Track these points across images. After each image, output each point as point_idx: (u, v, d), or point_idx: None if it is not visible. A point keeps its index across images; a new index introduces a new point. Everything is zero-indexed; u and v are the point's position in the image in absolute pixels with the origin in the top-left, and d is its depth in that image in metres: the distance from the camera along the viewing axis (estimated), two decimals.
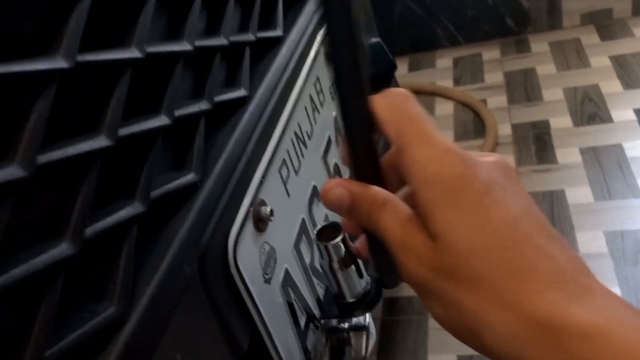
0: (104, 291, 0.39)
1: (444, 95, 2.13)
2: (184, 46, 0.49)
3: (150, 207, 0.44)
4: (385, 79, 1.40)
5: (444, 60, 2.37)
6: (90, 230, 0.38)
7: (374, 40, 1.43)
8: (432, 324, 1.39)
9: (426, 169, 0.32)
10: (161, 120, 0.46)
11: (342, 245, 0.56)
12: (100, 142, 0.39)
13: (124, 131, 0.41)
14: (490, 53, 2.30)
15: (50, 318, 0.34)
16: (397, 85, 1.40)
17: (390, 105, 0.34)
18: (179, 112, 0.49)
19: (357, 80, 0.35)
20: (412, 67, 2.40)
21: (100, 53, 0.39)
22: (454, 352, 1.31)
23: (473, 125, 1.96)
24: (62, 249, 0.35)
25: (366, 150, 0.37)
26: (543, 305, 0.28)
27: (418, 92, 2.20)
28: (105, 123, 0.40)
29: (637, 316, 0.28)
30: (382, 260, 0.39)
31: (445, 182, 0.31)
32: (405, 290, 1.49)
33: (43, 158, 0.34)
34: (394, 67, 1.40)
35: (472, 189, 0.31)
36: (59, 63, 0.35)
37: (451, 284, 0.31)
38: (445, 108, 2.08)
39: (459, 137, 1.93)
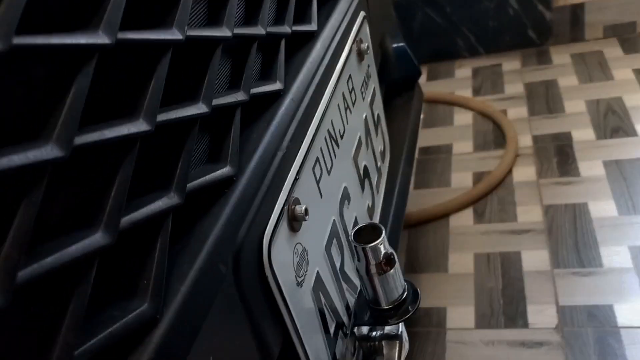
0: (135, 288, 0.37)
1: (464, 105, 2.10)
2: (223, 32, 0.47)
3: (187, 200, 0.42)
4: (409, 85, 1.38)
5: (463, 71, 2.34)
6: (125, 221, 0.35)
7: (400, 44, 1.40)
8: (451, 337, 1.35)
9: None
10: (199, 109, 0.43)
11: (381, 248, 0.53)
12: (139, 126, 0.36)
13: (162, 117, 0.39)
14: (510, 64, 2.27)
15: (81, 314, 0.31)
16: (420, 92, 1.37)
17: None
18: (216, 102, 0.46)
19: None
20: (431, 77, 2.37)
21: (141, 32, 0.37)
22: None
23: (493, 136, 1.93)
24: (96, 238, 0.32)
25: None
26: None
27: (437, 101, 2.17)
28: (144, 107, 0.37)
29: None
30: None
31: None
32: (423, 302, 1.45)
33: (80, 139, 0.31)
34: (419, 73, 1.38)
35: None
36: (100, 38, 0.33)
37: None
38: (464, 118, 2.05)
39: (478, 147, 1.89)
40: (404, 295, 0.56)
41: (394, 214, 0.99)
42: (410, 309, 0.56)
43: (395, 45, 1.35)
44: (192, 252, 0.41)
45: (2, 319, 0.29)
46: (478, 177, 1.77)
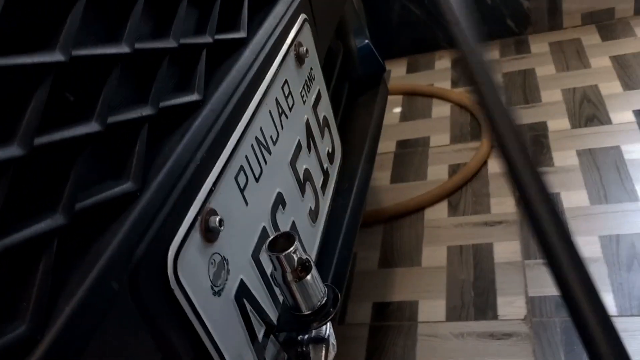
0: (16, 310, 0.37)
1: (441, 96, 2.09)
2: (120, 49, 0.47)
3: (78, 220, 0.42)
4: (374, 81, 1.38)
5: (443, 62, 2.33)
6: None
7: (364, 42, 1.40)
8: (422, 330, 1.36)
9: None
10: (90, 128, 0.43)
11: (294, 256, 0.53)
12: (12, 151, 0.36)
13: (41, 140, 0.39)
14: (489, 54, 2.26)
15: None
16: (385, 87, 1.37)
17: None
18: (114, 119, 0.46)
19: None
20: (411, 69, 2.37)
21: (16, 57, 0.37)
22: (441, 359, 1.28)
23: (470, 127, 1.93)
24: None
25: None
26: None
27: (415, 94, 2.17)
28: (19, 132, 0.37)
29: None
30: None
31: None
32: (396, 296, 1.46)
33: None
34: (383, 69, 1.38)
35: None
36: None
37: None
38: (442, 110, 2.05)
39: (455, 139, 1.89)
40: (324, 300, 0.56)
41: (350, 213, 0.99)
42: (331, 311, 0.56)
43: (358, 42, 1.35)
44: (82, 272, 0.41)
45: None
46: (454, 170, 1.78)
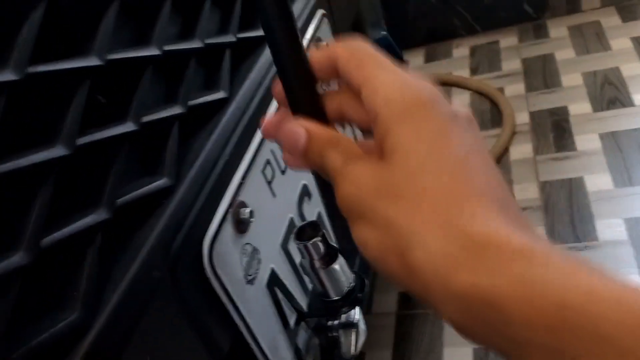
0: (67, 300, 0.40)
1: (461, 85, 2.09)
2: (150, 51, 0.49)
3: (119, 214, 0.45)
4: None
5: (461, 50, 2.33)
6: (48, 240, 0.38)
7: (382, 34, 1.42)
8: None
9: (392, 90, 0.30)
10: (127, 127, 0.46)
11: (321, 244, 0.55)
12: (57, 151, 0.39)
13: (83, 140, 0.42)
14: (507, 40, 2.25)
15: (3, 325, 0.35)
16: None
17: (350, 47, 0.33)
18: (147, 118, 0.49)
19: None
20: (429, 58, 2.36)
21: (54, 64, 0.40)
22: (470, 346, 1.29)
23: (490, 115, 1.92)
24: (16, 259, 0.36)
25: (312, 94, 0.35)
26: (485, 226, 0.26)
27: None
28: (62, 133, 0.40)
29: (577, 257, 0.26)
30: (338, 216, 0.37)
31: (410, 103, 0.29)
32: None
33: None
34: (401, 60, 1.39)
35: (437, 115, 0.29)
36: (6, 76, 0.36)
37: (388, 202, 0.28)
38: (462, 98, 2.04)
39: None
40: (352, 285, 0.58)
41: None
42: (359, 296, 0.58)
43: (376, 34, 1.36)
44: (125, 263, 0.44)
45: None
46: None
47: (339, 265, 0.56)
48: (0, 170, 0.35)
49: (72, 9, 0.44)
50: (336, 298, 0.58)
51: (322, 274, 0.56)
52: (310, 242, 0.54)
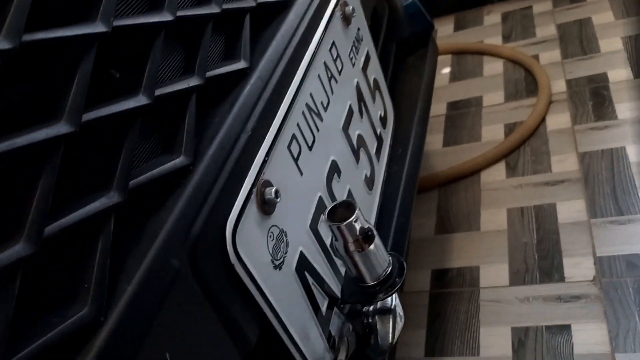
0: (76, 292, 0.36)
1: (493, 53, 2.01)
2: (162, 17, 0.45)
3: (132, 197, 0.41)
4: (422, 40, 1.32)
5: (492, 17, 2.23)
6: (53, 227, 0.34)
7: (411, 0, 1.35)
8: (484, 295, 1.32)
9: None
10: (138, 101, 0.41)
11: (356, 225, 0.51)
12: (60, 128, 0.35)
13: (90, 116, 0.38)
14: (541, 5, 2.15)
15: (4, 325, 0.31)
16: (435, 46, 1.32)
17: None
18: (161, 91, 0.44)
19: None
20: (458, 26, 2.27)
21: (52, 31, 0.35)
22: (508, 325, 1.24)
23: (525, 83, 1.84)
24: (17, 249, 0.32)
25: None
26: None
27: (464, 52, 2.09)
28: (66, 108, 0.36)
29: None
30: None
31: None
32: (455, 262, 1.43)
33: None
34: (432, 27, 1.32)
35: None
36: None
37: None
38: (494, 67, 1.96)
39: (510, 97, 1.81)
40: (389, 270, 0.54)
41: (406, 179, 0.96)
42: (397, 281, 0.54)
43: (406, 2, 1.29)
44: (140, 250, 0.40)
45: None
46: (510, 129, 1.70)
47: (375, 247, 0.52)
48: None
49: None
50: (372, 283, 0.54)
51: (357, 258, 0.52)
52: (344, 223, 0.50)
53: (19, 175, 0.33)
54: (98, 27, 0.38)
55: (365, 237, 0.51)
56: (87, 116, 0.37)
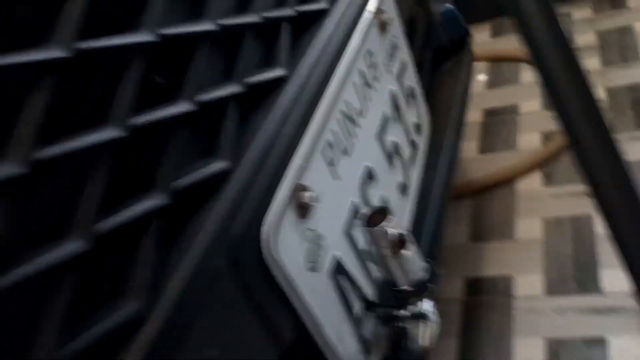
0: (124, 289, 0.38)
1: (530, 61, 1.98)
2: (205, 26, 0.47)
3: (177, 199, 0.43)
4: (458, 46, 1.32)
5: None
6: (102, 226, 0.36)
7: (447, 6, 1.35)
8: (518, 305, 1.31)
9: None
10: (182, 107, 0.43)
11: (391, 230, 0.52)
12: (110, 133, 0.37)
13: (137, 120, 0.39)
14: (581, 12, 2.12)
15: (59, 317, 0.33)
16: (471, 53, 1.31)
17: None
18: (203, 97, 0.46)
19: None
20: (496, 33, 2.26)
21: (104, 40, 0.38)
22: (542, 336, 1.23)
23: None
24: (71, 246, 0.34)
25: None
26: None
27: (501, 59, 2.07)
28: (116, 114, 0.38)
29: None
30: None
31: None
32: (489, 270, 1.41)
33: (42, 154, 0.33)
34: (468, 34, 1.32)
35: None
36: (55, 53, 0.34)
37: None
38: (531, 75, 1.94)
39: (547, 105, 1.79)
40: (424, 275, 0.54)
41: (440, 186, 0.96)
42: (431, 287, 0.54)
43: (441, 7, 1.30)
44: (184, 250, 0.42)
45: None
46: (547, 137, 1.68)
47: (410, 253, 0.53)
48: (52, 153, 0.33)
49: None
50: (406, 288, 0.54)
51: (391, 263, 0.53)
52: (379, 228, 0.51)
53: (73, 176, 0.35)
54: (146, 37, 0.40)
55: (400, 242, 0.52)
56: (135, 121, 0.39)
